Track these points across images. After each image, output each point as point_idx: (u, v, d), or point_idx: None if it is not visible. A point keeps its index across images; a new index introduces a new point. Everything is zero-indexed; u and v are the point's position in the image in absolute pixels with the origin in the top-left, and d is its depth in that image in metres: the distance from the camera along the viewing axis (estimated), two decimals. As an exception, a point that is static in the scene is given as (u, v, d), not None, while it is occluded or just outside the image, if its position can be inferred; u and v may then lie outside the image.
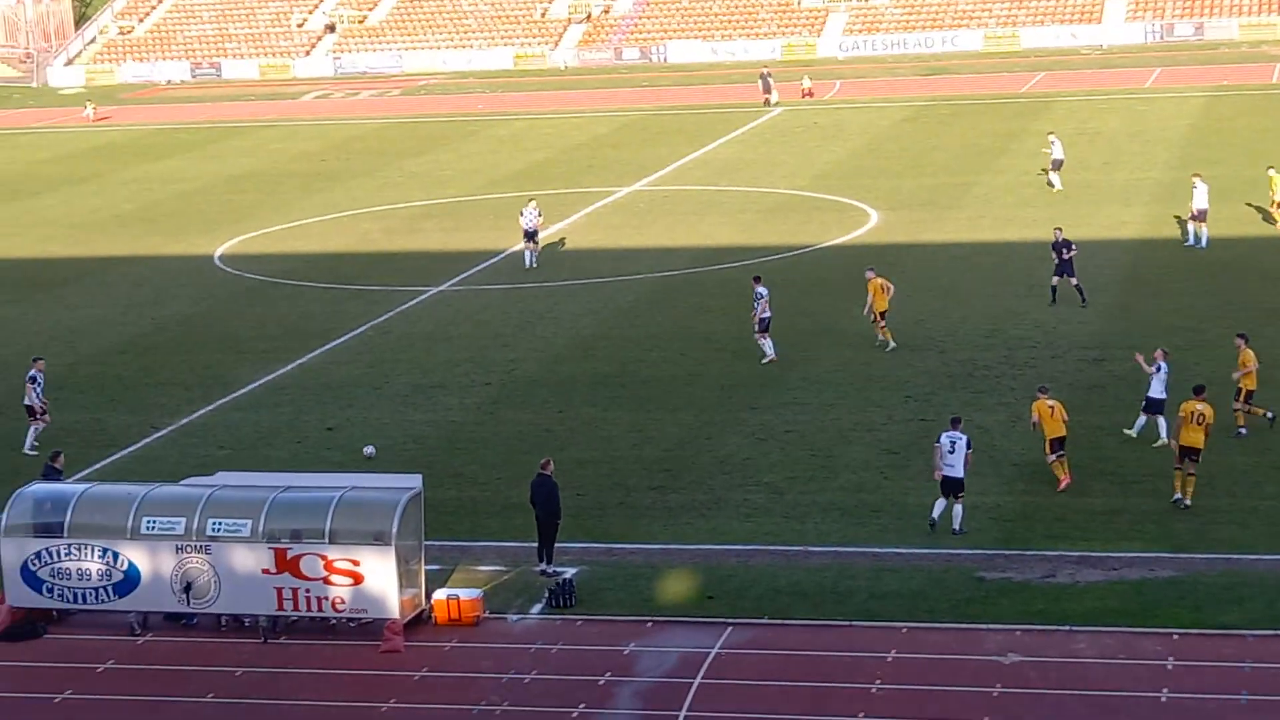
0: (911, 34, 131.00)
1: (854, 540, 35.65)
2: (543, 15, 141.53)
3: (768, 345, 48.50)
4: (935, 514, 35.78)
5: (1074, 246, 53.04)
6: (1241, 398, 40.45)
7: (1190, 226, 60.50)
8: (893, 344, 48.76)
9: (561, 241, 67.19)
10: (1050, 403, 37.82)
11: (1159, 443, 39.27)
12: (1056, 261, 52.89)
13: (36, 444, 43.89)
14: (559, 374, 49.19)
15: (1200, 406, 36.47)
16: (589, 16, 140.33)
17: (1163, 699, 28.19)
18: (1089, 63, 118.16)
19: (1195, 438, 36.26)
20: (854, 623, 31.70)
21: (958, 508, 35.64)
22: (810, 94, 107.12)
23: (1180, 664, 29.36)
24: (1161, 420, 39.67)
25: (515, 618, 32.93)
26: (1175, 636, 30.33)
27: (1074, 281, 52.73)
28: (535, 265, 62.61)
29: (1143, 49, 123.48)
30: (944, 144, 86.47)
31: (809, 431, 42.68)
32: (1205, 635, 30.31)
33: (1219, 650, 29.81)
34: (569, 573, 34.20)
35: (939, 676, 29.45)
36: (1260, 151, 76.95)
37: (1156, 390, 40.06)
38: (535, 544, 34.93)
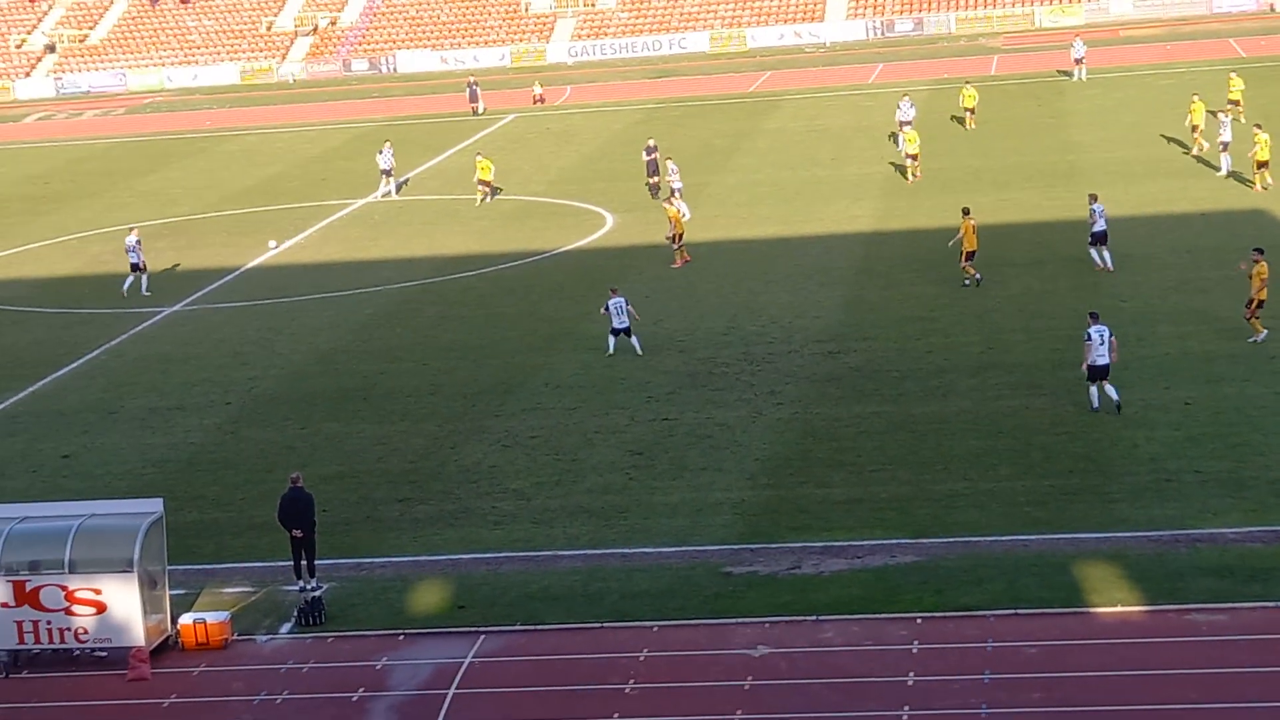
0: (639, 38, 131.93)
1: (603, 542, 35.84)
2: (269, 29, 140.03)
3: (632, 342, 49.20)
4: (1095, 401, 40.80)
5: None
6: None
7: (1224, 158, 67.87)
8: (976, 278, 53.37)
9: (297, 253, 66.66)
10: None
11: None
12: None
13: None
14: (300, 390, 48.72)
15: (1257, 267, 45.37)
16: (316, 29, 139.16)
17: (910, 682, 28.74)
18: (814, 60, 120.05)
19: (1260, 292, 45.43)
20: (605, 624, 31.86)
21: (1109, 389, 40.74)
22: (542, 100, 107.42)
23: (925, 647, 29.94)
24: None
25: (264, 638, 32.57)
26: (919, 620, 30.92)
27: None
28: (394, 195, 74.18)
29: (865, 45, 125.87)
30: (676, 145, 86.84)
31: (553, 436, 42.80)
32: (947, 618, 30.94)
33: (961, 631, 30.45)
34: (318, 590, 33.91)
35: (691, 673, 29.71)
36: (984, 144, 78.80)
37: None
38: (287, 562, 34.57)
